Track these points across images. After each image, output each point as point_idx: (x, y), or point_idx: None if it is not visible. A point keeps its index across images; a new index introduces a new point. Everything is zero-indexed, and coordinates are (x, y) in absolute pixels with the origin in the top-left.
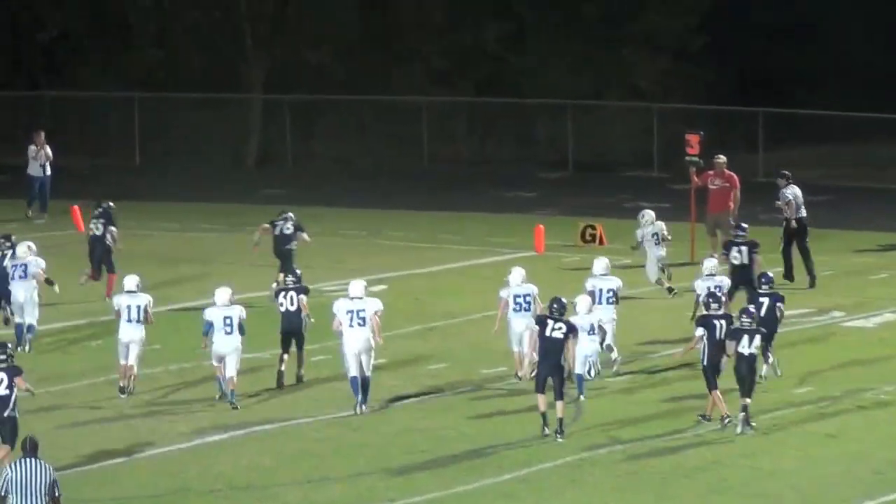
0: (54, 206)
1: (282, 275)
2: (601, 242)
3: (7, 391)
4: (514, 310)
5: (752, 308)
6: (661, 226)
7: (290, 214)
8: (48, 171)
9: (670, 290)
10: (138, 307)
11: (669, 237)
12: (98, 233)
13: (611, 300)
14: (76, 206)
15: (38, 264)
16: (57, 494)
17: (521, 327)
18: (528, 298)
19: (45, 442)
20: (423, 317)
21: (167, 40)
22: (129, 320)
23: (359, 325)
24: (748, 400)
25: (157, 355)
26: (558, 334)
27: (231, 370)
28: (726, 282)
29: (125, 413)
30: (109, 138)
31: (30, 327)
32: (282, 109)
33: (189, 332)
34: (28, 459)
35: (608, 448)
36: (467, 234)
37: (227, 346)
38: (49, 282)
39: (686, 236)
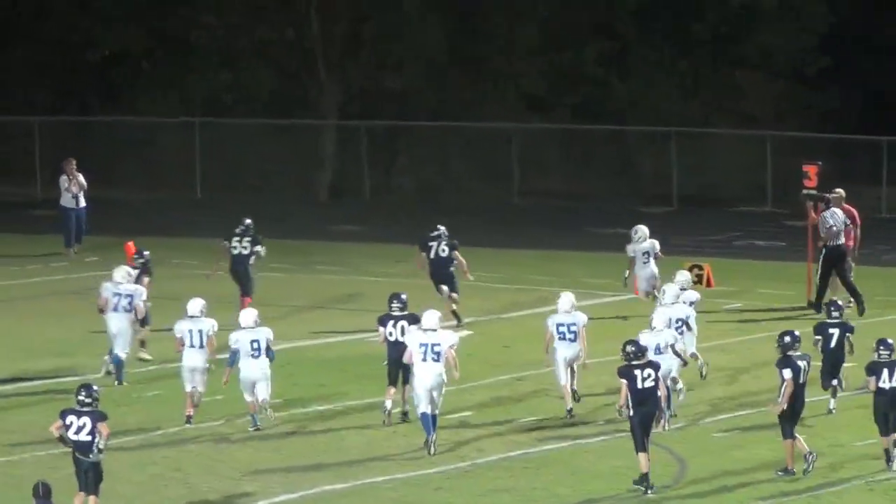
0: (103, 242)
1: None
2: (709, 284)
3: (89, 437)
4: (559, 338)
5: (889, 340)
6: (655, 244)
7: (443, 229)
8: (82, 203)
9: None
10: (200, 332)
11: (661, 255)
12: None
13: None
14: (130, 243)
15: (140, 295)
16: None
17: (564, 358)
18: (573, 328)
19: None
20: (512, 366)
21: (232, 61)
22: (192, 346)
23: (433, 359)
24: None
25: (220, 405)
26: (650, 383)
27: (263, 393)
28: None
29: (182, 468)
30: (167, 168)
31: (119, 361)
32: (358, 137)
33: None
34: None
35: None
36: (560, 275)
37: (255, 371)
38: (143, 322)
39: (803, 277)
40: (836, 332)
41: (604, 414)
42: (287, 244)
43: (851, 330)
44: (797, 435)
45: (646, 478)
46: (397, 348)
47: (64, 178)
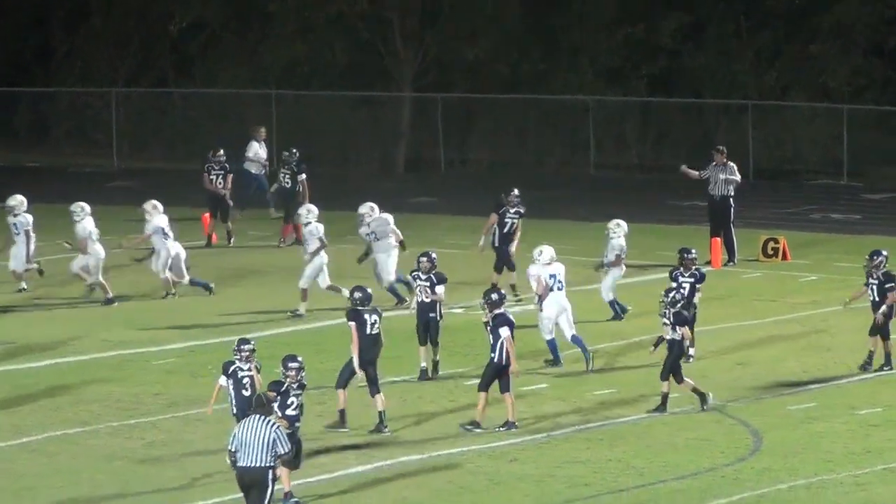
0: (184, 214)
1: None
2: (784, 257)
3: (296, 412)
4: (556, 289)
5: None
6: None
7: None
8: (254, 170)
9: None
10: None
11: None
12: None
13: (560, 286)
14: (207, 215)
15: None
16: (281, 452)
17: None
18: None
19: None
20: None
21: (308, 32)
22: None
23: (557, 288)
24: None
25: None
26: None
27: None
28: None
29: None
30: (244, 140)
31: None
32: (434, 108)
33: (328, 354)
34: (254, 417)
35: (788, 484)
36: (638, 248)
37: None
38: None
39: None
40: None
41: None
42: None
43: None
44: None
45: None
46: (422, 309)
47: (254, 144)
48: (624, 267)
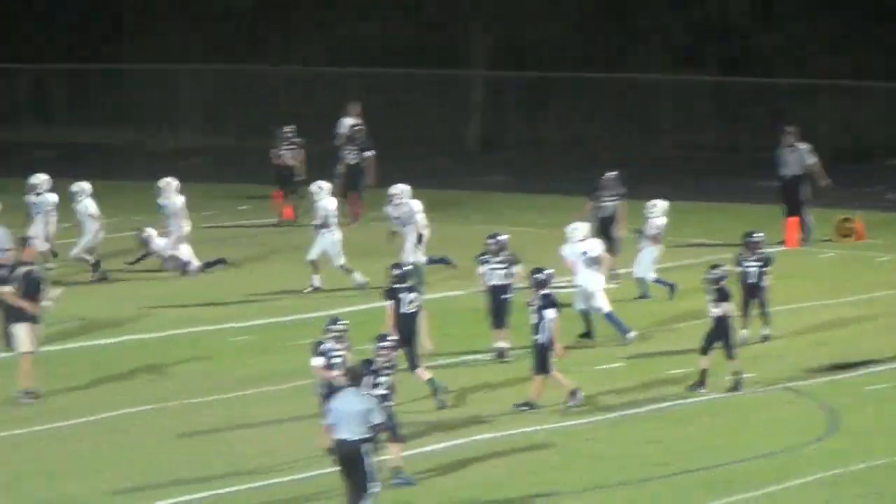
0: (257, 191)
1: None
2: (859, 237)
3: (386, 391)
4: (585, 266)
5: None
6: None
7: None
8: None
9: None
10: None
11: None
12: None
13: (592, 263)
14: (279, 192)
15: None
16: (374, 422)
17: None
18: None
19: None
20: (662, 317)
21: (382, 10)
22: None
23: (588, 264)
24: None
25: None
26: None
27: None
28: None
29: None
30: (315, 118)
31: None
32: (506, 88)
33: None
34: (348, 389)
35: (865, 464)
36: (711, 227)
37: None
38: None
39: None
40: None
41: (761, 365)
42: (438, 194)
43: None
44: None
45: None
46: (494, 291)
47: (347, 120)
48: (662, 245)
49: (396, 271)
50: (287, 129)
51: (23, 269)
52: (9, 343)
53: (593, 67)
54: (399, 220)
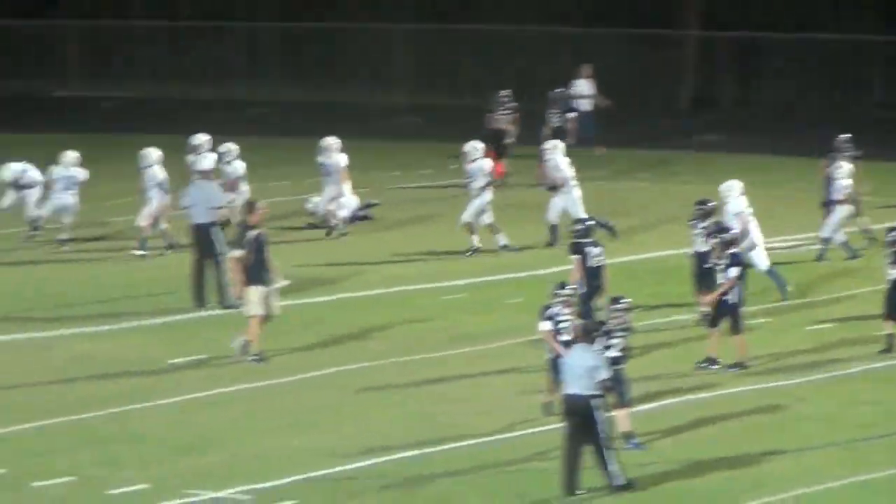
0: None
1: None
2: None
3: (619, 354)
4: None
5: None
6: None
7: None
8: (583, 107)
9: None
10: None
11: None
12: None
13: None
14: (490, 152)
15: None
16: (601, 378)
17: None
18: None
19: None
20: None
21: None
22: None
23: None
24: None
25: None
26: None
27: None
28: None
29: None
30: (531, 78)
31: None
32: (720, 48)
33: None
34: (579, 345)
35: None
36: None
37: None
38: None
39: None
40: None
41: None
42: (649, 154)
43: None
44: None
45: None
46: (698, 257)
47: (580, 82)
48: (850, 206)
49: (579, 226)
50: (503, 93)
51: (252, 233)
52: (220, 301)
53: (806, 27)
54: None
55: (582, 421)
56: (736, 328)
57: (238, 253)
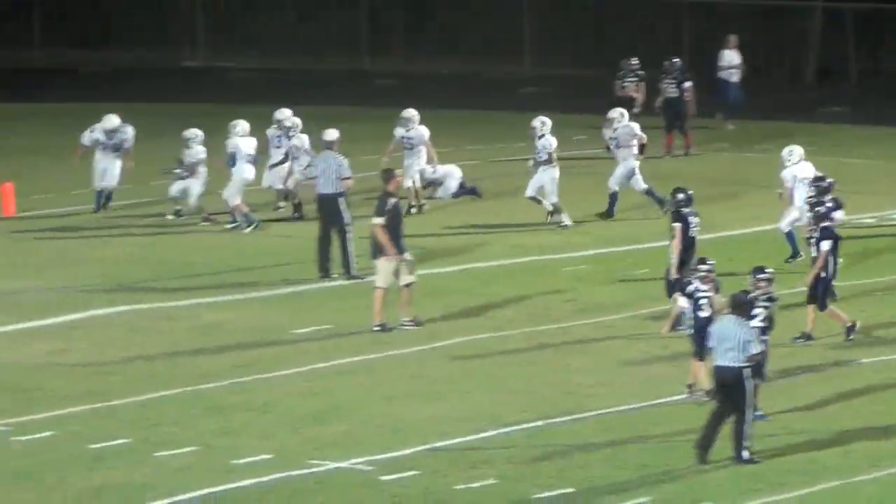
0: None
1: None
2: None
3: (763, 324)
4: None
5: None
6: None
7: None
8: (734, 78)
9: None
10: None
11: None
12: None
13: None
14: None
15: None
16: (752, 352)
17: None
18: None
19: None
20: None
21: None
22: None
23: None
24: None
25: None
26: None
27: None
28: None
29: (673, 351)
30: (653, 50)
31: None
32: (846, 19)
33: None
34: (730, 317)
35: None
36: None
37: None
38: None
39: None
40: None
41: None
42: (770, 125)
43: None
44: None
45: None
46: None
47: (727, 52)
48: None
49: (681, 195)
50: (632, 60)
51: (392, 200)
52: (345, 272)
53: None
54: (615, 140)
55: (732, 392)
56: (823, 302)
57: (379, 220)
